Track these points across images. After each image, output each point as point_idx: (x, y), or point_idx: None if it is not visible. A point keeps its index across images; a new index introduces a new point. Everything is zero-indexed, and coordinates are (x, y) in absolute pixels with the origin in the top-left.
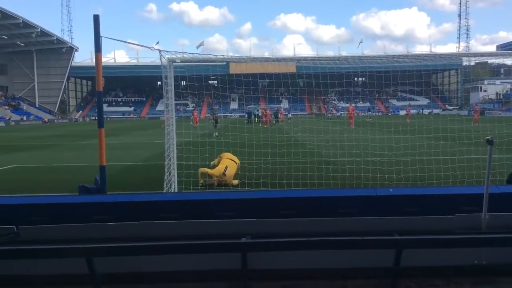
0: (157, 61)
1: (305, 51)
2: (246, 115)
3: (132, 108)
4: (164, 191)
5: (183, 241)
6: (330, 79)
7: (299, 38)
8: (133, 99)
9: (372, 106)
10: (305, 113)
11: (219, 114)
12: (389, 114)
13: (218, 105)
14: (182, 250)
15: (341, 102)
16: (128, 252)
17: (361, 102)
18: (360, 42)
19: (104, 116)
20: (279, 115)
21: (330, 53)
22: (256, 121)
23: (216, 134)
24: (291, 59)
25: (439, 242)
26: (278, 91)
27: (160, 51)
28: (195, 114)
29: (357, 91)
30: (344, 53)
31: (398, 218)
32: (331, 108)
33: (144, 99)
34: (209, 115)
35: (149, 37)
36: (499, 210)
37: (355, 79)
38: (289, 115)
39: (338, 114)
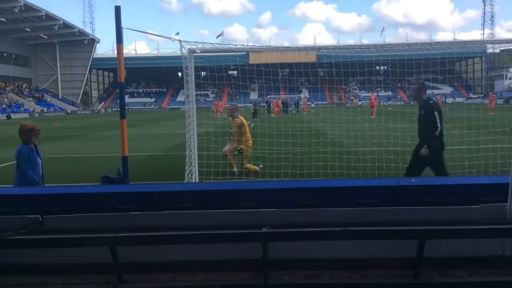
0: (177, 52)
1: (326, 40)
2: (265, 105)
3: (153, 99)
4: (185, 181)
5: (204, 231)
6: (351, 68)
7: (319, 27)
8: (154, 90)
9: (394, 95)
10: (326, 102)
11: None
12: (411, 103)
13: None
14: (203, 239)
15: (362, 91)
16: (150, 242)
17: (382, 91)
18: (382, 30)
19: (126, 107)
20: (303, 105)
21: (351, 41)
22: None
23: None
24: (311, 48)
25: (462, 233)
26: (298, 80)
27: (180, 41)
28: (216, 104)
29: (379, 80)
30: (365, 42)
31: (420, 208)
32: (352, 98)
33: (164, 90)
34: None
35: (169, 28)
36: None
37: (377, 67)
38: (312, 105)
39: (360, 103)
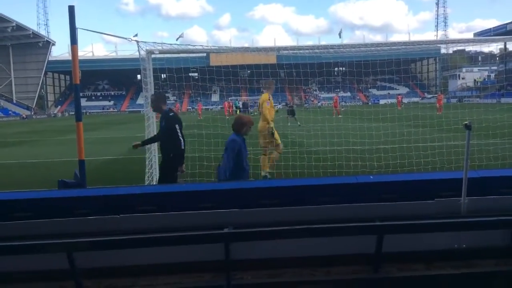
0: (135, 54)
1: (285, 42)
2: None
3: (111, 102)
4: (145, 184)
5: (165, 234)
6: (311, 68)
7: (279, 29)
8: (112, 93)
9: (353, 95)
10: (285, 103)
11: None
12: (369, 104)
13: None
14: (164, 242)
15: (322, 92)
16: (108, 246)
17: (341, 92)
18: (340, 32)
19: (83, 111)
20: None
21: (310, 43)
22: (237, 112)
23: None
24: (271, 49)
25: (419, 227)
26: (259, 82)
27: (138, 42)
28: (177, 107)
29: (338, 80)
30: (324, 43)
31: (379, 204)
32: (312, 98)
33: (124, 92)
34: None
35: (127, 30)
36: (478, 194)
37: (335, 69)
38: (279, 106)
39: (319, 104)
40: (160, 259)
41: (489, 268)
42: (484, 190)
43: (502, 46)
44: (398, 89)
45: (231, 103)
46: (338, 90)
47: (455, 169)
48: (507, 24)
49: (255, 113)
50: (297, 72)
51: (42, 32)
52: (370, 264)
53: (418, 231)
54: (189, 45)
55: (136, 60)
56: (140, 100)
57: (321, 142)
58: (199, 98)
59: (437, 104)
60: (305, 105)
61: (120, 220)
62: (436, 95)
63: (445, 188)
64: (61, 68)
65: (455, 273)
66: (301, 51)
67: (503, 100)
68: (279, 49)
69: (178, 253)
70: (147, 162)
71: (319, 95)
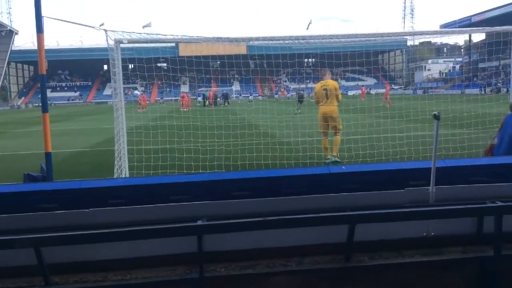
0: (103, 43)
1: (255, 32)
2: (199, 98)
3: (77, 93)
4: (114, 177)
5: (136, 227)
6: (282, 59)
7: (249, 19)
8: (78, 83)
9: None
10: (257, 94)
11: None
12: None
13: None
14: (136, 236)
15: (292, 83)
16: (77, 241)
17: (312, 83)
18: (310, 23)
19: (48, 102)
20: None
21: (280, 34)
22: (207, 103)
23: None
24: (241, 39)
25: (389, 216)
26: (230, 72)
27: (106, 31)
28: (141, 98)
29: (308, 72)
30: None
31: (350, 194)
32: (282, 89)
33: (90, 83)
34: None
35: (92, 18)
36: (446, 183)
37: (305, 60)
38: (250, 97)
39: (289, 95)
40: (131, 253)
41: (457, 255)
42: (451, 179)
43: (467, 38)
44: (366, 81)
45: (189, 95)
46: (309, 81)
47: (423, 158)
48: (471, 16)
49: (225, 105)
50: (267, 63)
51: (5, 21)
52: (342, 253)
53: (388, 220)
54: (159, 34)
55: (103, 50)
56: (107, 91)
57: (293, 133)
58: (143, 89)
59: (385, 96)
60: (275, 96)
61: (89, 214)
62: (402, 86)
63: (414, 178)
64: (25, 58)
65: (424, 260)
66: (271, 42)
67: (467, 91)
68: (249, 39)
69: (151, 247)
70: (116, 154)
71: (289, 86)
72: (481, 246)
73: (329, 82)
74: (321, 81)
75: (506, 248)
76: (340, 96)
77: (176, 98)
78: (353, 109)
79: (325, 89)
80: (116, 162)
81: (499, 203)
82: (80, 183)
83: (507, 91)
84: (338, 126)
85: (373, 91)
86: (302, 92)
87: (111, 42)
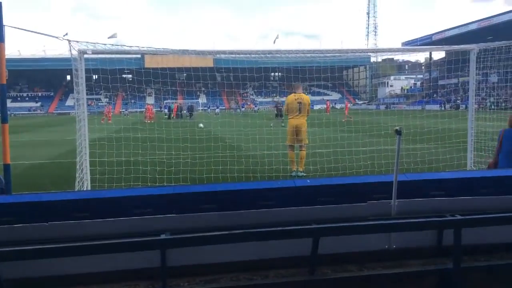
0: (66, 53)
1: (222, 46)
2: (166, 110)
3: (38, 104)
4: (75, 190)
5: (97, 241)
6: (248, 73)
7: (216, 33)
8: (40, 94)
9: None
10: (224, 107)
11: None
12: None
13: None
14: (97, 250)
15: (259, 96)
16: (35, 255)
17: (278, 96)
18: (276, 38)
19: (8, 113)
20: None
21: (247, 47)
22: (170, 117)
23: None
24: (208, 52)
25: (352, 229)
26: (196, 85)
27: (69, 41)
28: (109, 109)
29: (274, 85)
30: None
31: (315, 207)
32: (249, 103)
33: (52, 93)
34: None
35: (56, 29)
36: (407, 196)
37: (272, 74)
38: (217, 110)
39: (256, 108)
40: (93, 268)
41: (418, 267)
42: (413, 193)
43: (428, 56)
44: (331, 95)
45: (152, 107)
46: (275, 95)
47: (385, 172)
48: (432, 34)
49: (190, 117)
50: (234, 76)
51: None
52: (306, 267)
53: (351, 233)
54: (124, 45)
55: (66, 60)
56: (69, 102)
57: (259, 146)
58: (107, 101)
59: (345, 112)
60: (242, 109)
61: (49, 228)
62: (366, 101)
63: (376, 191)
64: None
65: (386, 273)
66: (238, 55)
67: (427, 107)
68: (216, 52)
69: (112, 261)
70: (77, 166)
71: (255, 99)
72: (441, 259)
73: (303, 96)
74: (294, 94)
75: (465, 260)
76: (309, 111)
77: (141, 110)
78: (319, 123)
79: (300, 103)
80: (77, 175)
81: (458, 217)
82: (39, 195)
83: (466, 107)
84: (305, 140)
85: (338, 106)
86: (280, 106)
87: (75, 52)
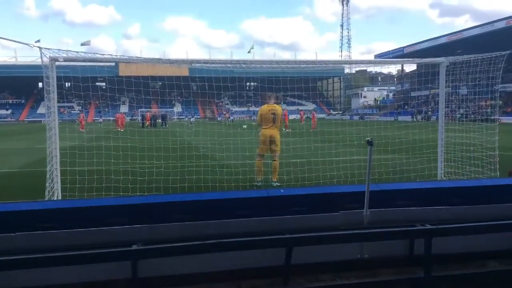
0: (38, 60)
1: (197, 55)
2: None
3: (9, 111)
4: (46, 199)
5: (67, 252)
6: (223, 82)
7: (191, 42)
8: (10, 101)
9: None
10: (199, 116)
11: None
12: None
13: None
14: (67, 261)
15: (234, 106)
16: (3, 267)
17: (253, 106)
18: (252, 48)
19: None
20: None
21: (222, 57)
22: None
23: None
24: (183, 61)
25: (325, 239)
26: (171, 94)
27: (40, 48)
28: (82, 117)
29: (249, 95)
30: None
31: (288, 217)
32: (225, 112)
33: (23, 101)
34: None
35: (28, 36)
36: (379, 206)
37: (247, 83)
38: (192, 119)
39: (232, 118)
40: (63, 280)
41: (390, 276)
42: (384, 203)
43: (400, 68)
44: (306, 105)
45: (123, 115)
46: (250, 104)
47: (358, 182)
48: (404, 47)
49: (163, 126)
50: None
51: None
52: (280, 276)
53: (324, 243)
54: (97, 53)
55: (38, 67)
56: (41, 110)
57: (233, 155)
58: (80, 108)
59: (312, 121)
60: (218, 119)
61: (16, 238)
62: (340, 112)
63: (349, 201)
64: None
65: (359, 282)
66: (213, 65)
67: (400, 118)
68: (191, 61)
69: (82, 272)
70: (48, 175)
71: (231, 109)
72: (412, 268)
73: (277, 107)
74: (268, 105)
75: (436, 269)
76: (282, 121)
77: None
78: (293, 133)
79: (273, 113)
80: (47, 184)
81: (429, 226)
82: (7, 205)
83: (437, 118)
84: (278, 150)
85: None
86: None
87: (46, 60)
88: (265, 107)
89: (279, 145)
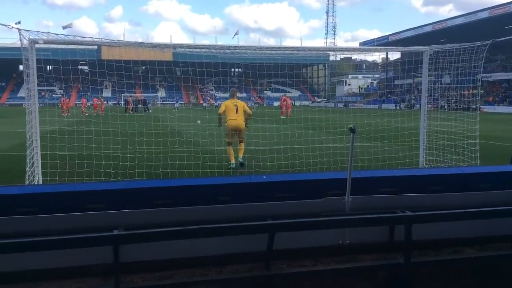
0: (17, 43)
1: (181, 39)
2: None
3: None
4: (26, 184)
5: (47, 237)
6: (207, 68)
7: (175, 26)
8: None
9: (248, 96)
10: (183, 102)
11: None
12: (264, 105)
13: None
14: (47, 246)
15: (219, 92)
16: None
17: (238, 92)
18: (236, 34)
19: None
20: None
21: (207, 42)
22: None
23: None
24: (166, 46)
25: (307, 225)
26: (155, 79)
27: (19, 30)
28: (63, 101)
29: (234, 81)
30: (220, 43)
31: (271, 203)
32: (209, 98)
33: (3, 84)
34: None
35: (8, 17)
36: (360, 193)
37: (232, 69)
38: (176, 105)
39: (216, 103)
40: (45, 265)
41: (370, 262)
42: (366, 189)
43: (384, 56)
44: (291, 92)
45: (102, 100)
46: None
47: (340, 169)
48: (388, 35)
49: (145, 111)
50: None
51: None
52: (262, 261)
53: (306, 229)
54: (78, 36)
55: (18, 50)
56: (21, 93)
57: (216, 141)
58: (62, 92)
59: (288, 109)
60: (203, 105)
61: None
62: (325, 99)
63: (331, 187)
64: None
65: (339, 268)
66: (197, 50)
67: (383, 106)
68: (175, 46)
69: (63, 258)
70: (28, 160)
71: (215, 94)
72: (392, 254)
73: (239, 101)
74: (231, 100)
75: (415, 255)
76: (249, 110)
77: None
78: (276, 120)
79: (235, 105)
80: (27, 168)
81: (409, 213)
82: None
83: (420, 107)
84: (243, 138)
85: (297, 103)
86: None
87: (25, 42)
88: (228, 101)
89: (244, 134)
